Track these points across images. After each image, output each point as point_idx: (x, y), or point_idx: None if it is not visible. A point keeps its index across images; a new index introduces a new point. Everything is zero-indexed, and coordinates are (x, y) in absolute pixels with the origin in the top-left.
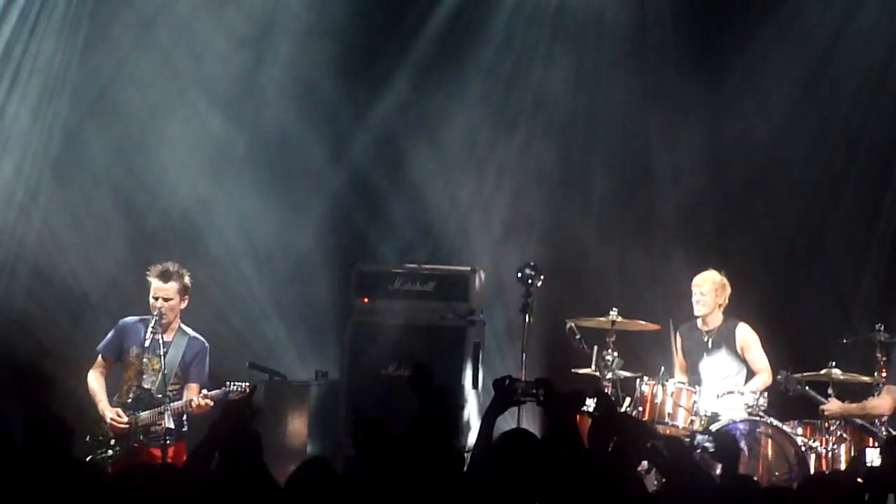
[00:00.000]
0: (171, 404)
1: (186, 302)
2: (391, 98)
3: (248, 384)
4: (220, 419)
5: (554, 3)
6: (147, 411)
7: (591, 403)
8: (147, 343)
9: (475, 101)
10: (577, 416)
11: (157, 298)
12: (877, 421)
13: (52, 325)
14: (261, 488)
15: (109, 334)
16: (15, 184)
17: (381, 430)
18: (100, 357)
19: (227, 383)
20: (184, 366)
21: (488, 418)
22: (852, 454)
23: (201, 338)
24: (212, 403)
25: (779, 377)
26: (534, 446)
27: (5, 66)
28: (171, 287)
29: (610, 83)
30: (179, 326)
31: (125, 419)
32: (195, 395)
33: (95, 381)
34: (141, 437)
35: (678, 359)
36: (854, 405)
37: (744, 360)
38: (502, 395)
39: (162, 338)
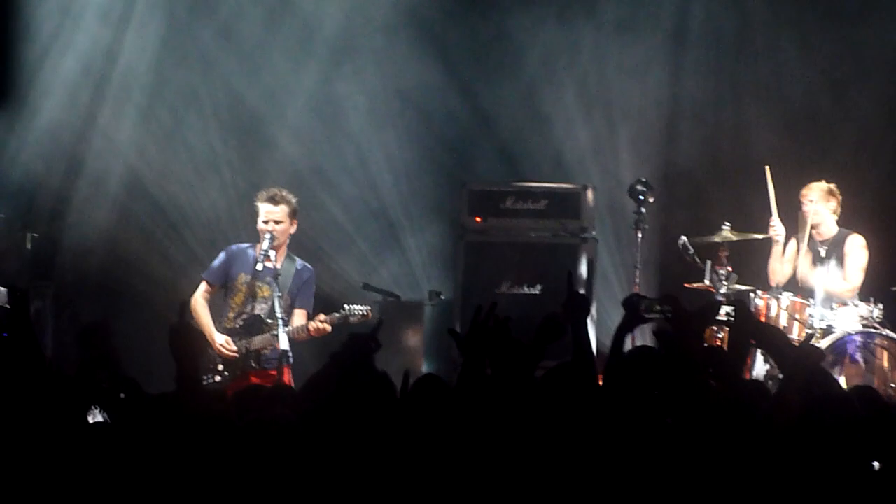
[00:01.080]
0: (286, 328)
1: (295, 226)
2: (498, 19)
3: (369, 308)
4: (342, 350)
5: None
6: (259, 336)
7: (726, 312)
8: (258, 269)
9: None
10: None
11: (267, 222)
12: None
13: (150, 247)
14: (381, 402)
15: (217, 260)
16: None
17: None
18: (205, 283)
19: (345, 307)
20: (292, 293)
21: (618, 338)
22: None
23: (308, 265)
24: (329, 328)
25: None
26: (659, 363)
27: None
28: (282, 210)
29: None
30: (287, 254)
31: (234, 346)
32: (304, 321)
33: (202, 307)
34: (252, 363)
35: (791, 267)
36: None
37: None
38: (631, 314)
39: (273, 264)
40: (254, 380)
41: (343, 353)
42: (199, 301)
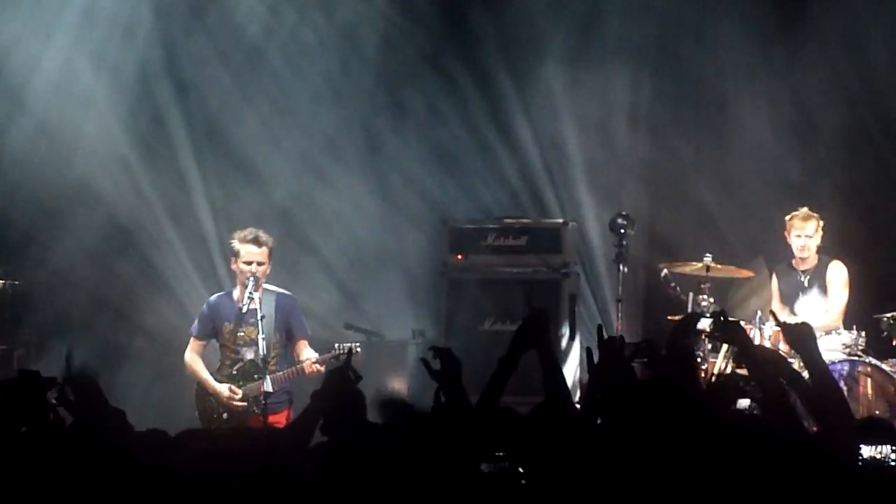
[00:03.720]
0: (278, 373)
1: (270, 266)
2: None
3: (355, 344)
4: (321, 387)
5: None
6: (252, 383)
7: (706, 324)
8: (243, 312)
9: (563, 51)
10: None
11: (250, 263)
12: None
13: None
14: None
15: (201, 314)
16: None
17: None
18: (193, 339)
19: (336, 346)
20: (280, 325)
21: (597, 378)
22: None
23: (286, 292)
24: (322, 368)
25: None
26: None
27: None
28: (264, 251)
29: (699, 27)
30: (264, 289)
31: (239, 394)
32: (307, 352)
33: (196, 362)
34: (255, 409)
35: (776, 301)
36: None
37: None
38: (609, 356)
39: (250, 305)
40: (252, 424)
41: (323, 389)
42: (193, 357)
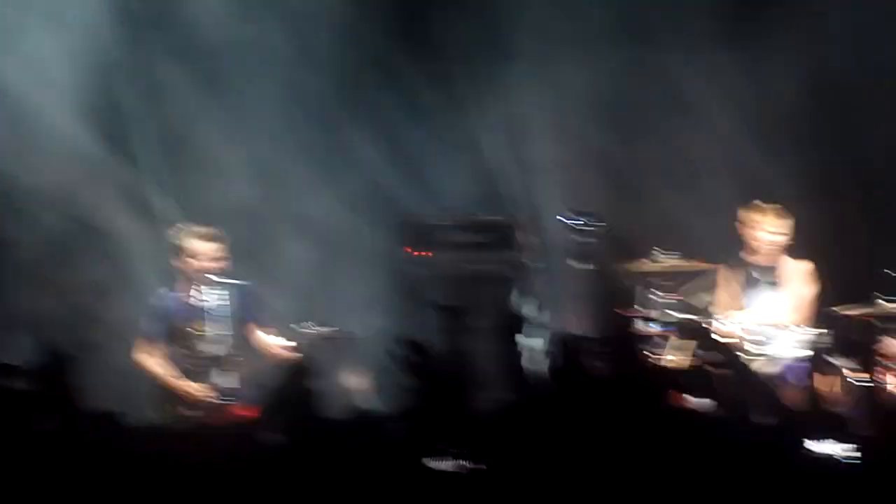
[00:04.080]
0: (243, 366)
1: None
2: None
3: (327, 331)
4: (277, 384)
5: None
6: (217, 377)
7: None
8: (197, 310)
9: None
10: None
11: (206, 260)
12: None
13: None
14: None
15: (150, 316)
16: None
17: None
18: (144, 340)
19: (301, 330)
20: (241, 316)
21: (556, 375)
22: None
23: (243, 282)
24: (292, 353)
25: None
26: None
27: None
28: (221, 247)
29: (657, 19)
30: (220, 282)
31: (204, 390)
32: (274, 339)
33: (149, 361)
34: (221, 403)
35: (727, 296)
36: None
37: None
38: (566, 353)
39: (211, 300)
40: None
41: (279, 385)
42: (146, 357)
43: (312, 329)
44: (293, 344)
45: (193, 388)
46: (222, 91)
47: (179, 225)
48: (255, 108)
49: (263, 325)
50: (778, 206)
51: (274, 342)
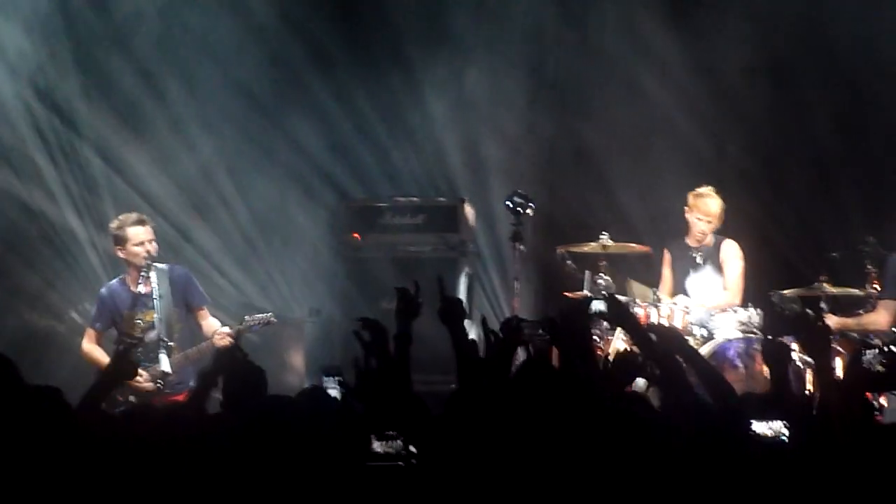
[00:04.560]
0: (183, 352)
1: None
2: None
3: (270, 315)
4: (209, 366)
5: None
6: (157, 363)
7: (599, 305)
8: (136, 298)
9: (461, 32)
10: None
11: (142, 243)
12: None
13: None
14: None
15: (96, 306)
16: None
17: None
18: (92, 331)
19: (247, 317)
20: (178, 300)
21: (500, 359)
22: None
23: (176, 265)
24: (231, 341)
25: (773, 298)
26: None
27: None
28: (149, 230)
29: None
30: (154, 267)
31: (145, 376)
32: (213, 324)
33: (94, 350)
34: (161, 389)
35: (665, 276)
36: (851, 320)
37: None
38: (510, 336)
39: (143, 287)
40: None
41: (211, 368)
42: (91, 346)
43: (253, 316)
44: (233, 329)
45: (141, 376)
46: (166, 74)
47: (116, 216)
48: (197, 98)
49: (202, 307)
50: (711, 189)
51: (217, 327)
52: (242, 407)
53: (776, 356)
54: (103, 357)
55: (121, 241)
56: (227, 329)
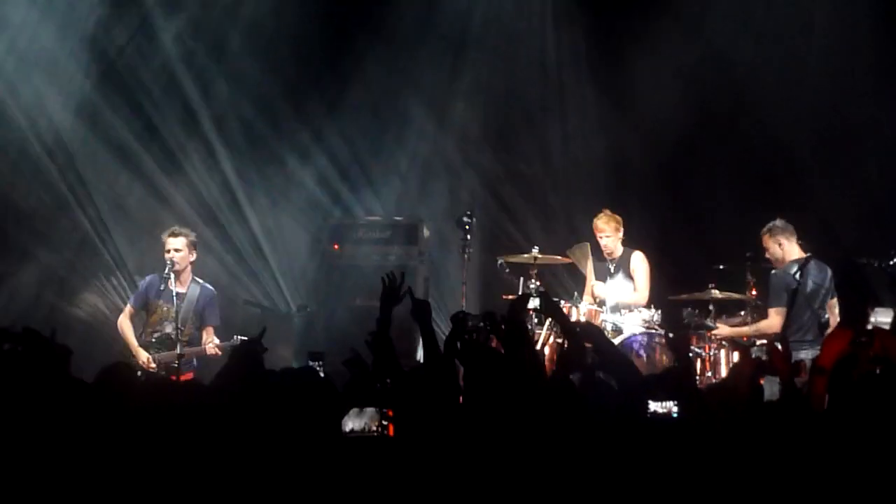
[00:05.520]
0: (186, 349)
1: (195, 255)
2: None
3: (243, 338)
4: (232, 358)
5: None
6: (166, 352)
7: (535, 302)
8: (164, 293)
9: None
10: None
11: (169, 251)
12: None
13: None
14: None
15: (137, 290)
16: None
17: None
18: (128, 306)
19: (235, 337)
20: (198, 311)
21: (448, 346)
22: (731, 359)
23: (210, 287)
24: (220, 353)
25: (685, 314)
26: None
27: None
28: (180, 241)
29: (529, 41)
30: (193, 278)
31: (153, 360)
32: (211, 338)
33: (127, 326)
34: (163, 372)
35: (588, 282)
36: (746, 328)
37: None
38: (458, 327)
39: (176, 289)
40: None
41: (232, 360)
42: (124, 321)
43: (236, 337)
44: (227, 343)
45: (142, 354)
46: (178, 96)
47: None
48: (224, 136)
49: (211, 326)
50: (605, 212)
51: (213, 349)
52: (248, 377)
53: (678, 345)
54: (130, 335)
55: (162, 246)
56: (216, 342)
